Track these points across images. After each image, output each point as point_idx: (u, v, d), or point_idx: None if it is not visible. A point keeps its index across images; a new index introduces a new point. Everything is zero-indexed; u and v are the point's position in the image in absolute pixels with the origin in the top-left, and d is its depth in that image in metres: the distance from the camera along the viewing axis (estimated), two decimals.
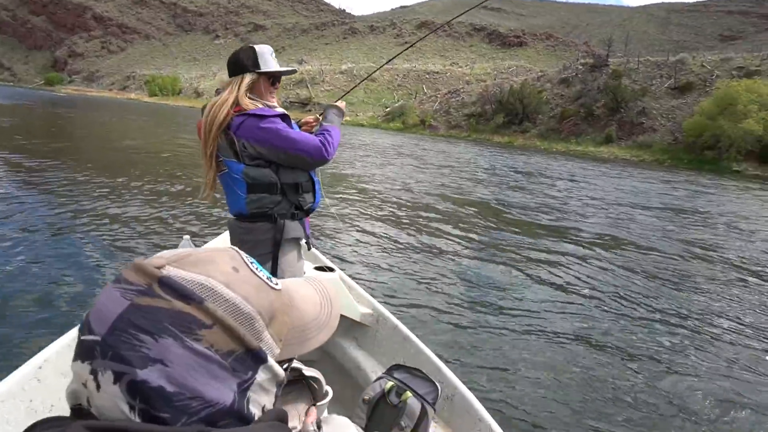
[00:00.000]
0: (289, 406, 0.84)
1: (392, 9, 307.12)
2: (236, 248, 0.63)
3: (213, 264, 0.56)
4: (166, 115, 43.01)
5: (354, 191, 10.95)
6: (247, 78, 1.97)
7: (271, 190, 1.99)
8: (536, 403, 3.16)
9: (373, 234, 7.19)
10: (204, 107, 2.00)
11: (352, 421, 1.78)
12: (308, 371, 0.88)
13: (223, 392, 0.51)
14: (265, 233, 2.02)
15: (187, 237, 2.49)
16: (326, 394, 0.80)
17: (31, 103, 39.71)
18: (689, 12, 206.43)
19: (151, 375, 0.48)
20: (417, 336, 2.33)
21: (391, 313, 2.56)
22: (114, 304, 0.52)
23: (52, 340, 1.83)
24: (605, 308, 4.96)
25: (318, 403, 0.80)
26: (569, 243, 7.67)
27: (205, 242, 3.19)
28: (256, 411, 0.56)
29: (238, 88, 1.95)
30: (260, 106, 1.97)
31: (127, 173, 10.07)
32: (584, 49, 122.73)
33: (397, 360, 2.26)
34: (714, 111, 33.98)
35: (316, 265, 2.70)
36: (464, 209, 10.01)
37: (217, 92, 2.02)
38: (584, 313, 4.79)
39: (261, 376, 0.56)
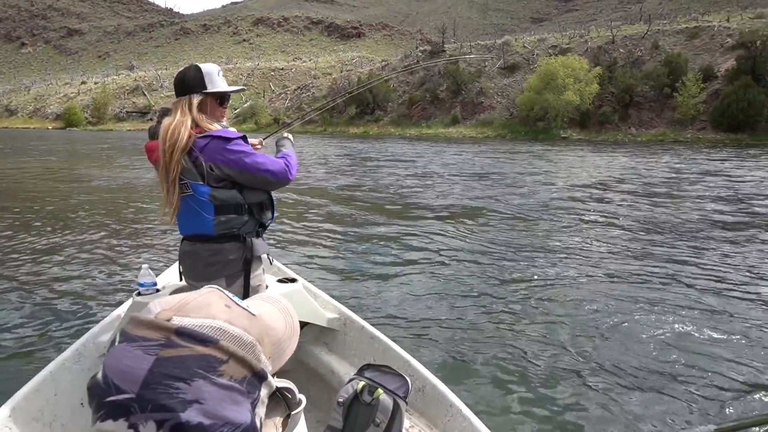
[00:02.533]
0: (267, 418, 0.85)
1: (223, 6, 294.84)
2: (215, 287, 0.69)
3: (211, 307, 0.62)
4: None
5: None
6: (195, 99, 1.97)
7: (238, 210, 2.00)
8: (499, 383, 3.34)
9: (314, 237, 7.32)
10: (151, 129, 2.05)
11: (330, 424, 1.88)
12: (280, 383, 0.88)
13: (243, 414, 0.58)
14: (235, 253, 2.03)
15: (146, 266, 2.40)
16: (299, 402, 0.82)
17: None
18: None
19: (191, 414, 0.54)
20: (384, 334, 2.40)
21: (357, 314, 2.63)
22: (140, 362, 0.56)
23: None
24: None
25: (292, 412, 0.82)
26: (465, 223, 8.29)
27: (165, 267, 3.13)
28: (258, 422, 0.62)
29: (189, 110, 1.95)
30: (219, 127, 1.98)
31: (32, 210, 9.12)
32: (420, 37, 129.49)
33: (368, 359, 2.32)
34: (539, 86, 38.07)
35: (279, 278, 2.70)
36: (361, 201, 10.23)
37: (163, 112, 2.08)
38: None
39: (263, 391, 0.63)
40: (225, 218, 1.99)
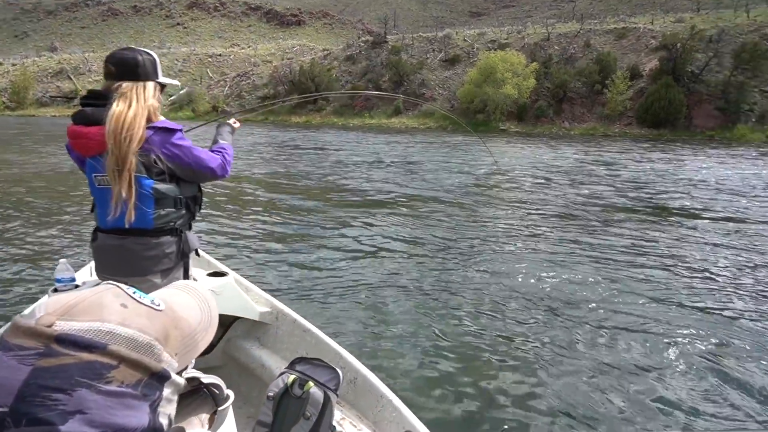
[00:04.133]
0: (192, 415, 0.89)
1: None
2: (114, 283, 0.65)
3: (102, 307, 0.58)
4: None
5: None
6: (151, 87, 1.90)
7: (176, 204, 1.99)
8: (436, 374, 3.44)
9: (248, 228, 7.20)
10: (78, 113, 1.89)
11: (260, 419, 1.87)
12: (207, 378, 0.91)
13: (139, 418, 0.55)
14: (171, 246, 2.00)
15: (63, 260, 2.30)
16: (227, 398, 0.83)
17: None
18: None
19: (73, 426, 0.50)
20: (318, 327, 2.42)
21: (290, 307, 2.62)
22: (14, 372, 0.51)
23: None
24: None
25: (219, 408, 0.83)
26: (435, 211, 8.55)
27: (84, 261, 2.95)
28: (164, 422, 0.60)
29: (144, 98, 1.86)
30: (161, 118, 1.94)
31: None
32: (361, 27, 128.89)
33: (300, 353, 2.33)
34: (479, 79, 39.01)
35: (210, 271, 2.66)
36: (296, 190, 10.28)
37: (95, 95, 1.90)
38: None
39: (166, 391, 0.60)
40: (165, 212, 1.95)
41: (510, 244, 6.53)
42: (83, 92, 1.95)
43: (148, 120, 1.86)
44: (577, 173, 14.07)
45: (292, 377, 1.88)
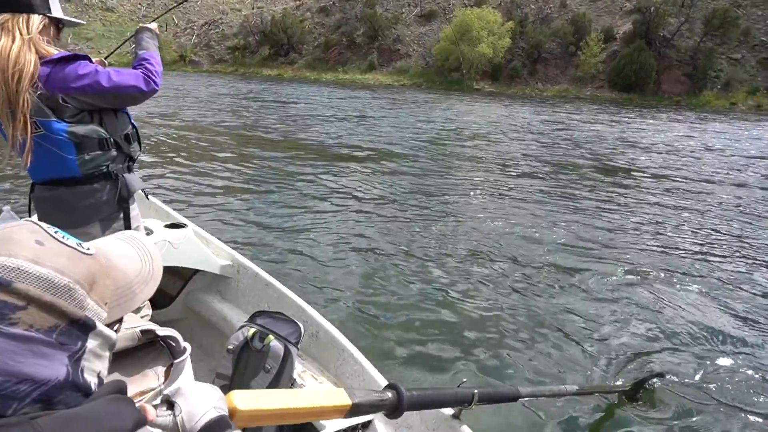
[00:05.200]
0: (147, 368, 0.85)
1: None
2: (33, 220, 0.59)
3: (12, 242, 0.52)
4: None
5: (159, 138, 10.20)
6: (36, 19, 1.66)
7: (103, 146, 1.80)
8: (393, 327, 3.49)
9: (212, 180, 7.10)
10: None
11: (219, 372, 1.91)
12: (162, 331, 0.88)
13: (54, 368, 0.50)
14: (108, 192, 1.86)
15: (7, 208, 2.17)
16: (183, 350, 0.81)
17: None
18: None
19: None
20: (280, 281, 2.37)
21: (251, 261, 2.57)
22: None
23: None
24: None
25: (176, 361, 0.81)
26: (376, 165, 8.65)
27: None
28: (91, 378, 0.54)
29: (27, 31, 1.63)
30: (56, 51, 1.71)
31: None
32: None
33: (261, 307, 2.31)
34: (454, 37, 38.60)
35: (167, 223, 2.55)
36: (267, 144, 10.23)
37: None
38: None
39: (92, 343, 0.54)
40: (89, 156, 1.77)
41: (473, 200, 6.75)
42: None
43: (40, 56, 1.64)
44: (543, 134, 14.33)
45: (252, 330, 1.87)
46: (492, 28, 38.09)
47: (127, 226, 1.95)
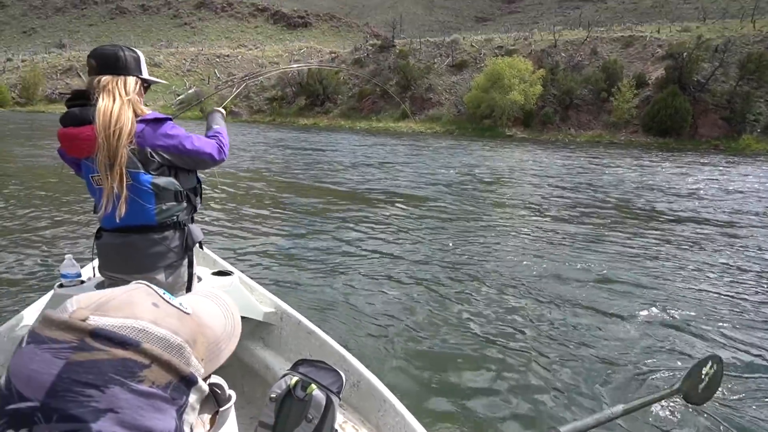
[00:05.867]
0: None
1: None
2: (143, 283, 0.65)
3: (134, 305, 0.57)
4: None
5: (209, 187, 10.64)
6: (132, 81, 1.88)
7: (177, 197, 1.97)
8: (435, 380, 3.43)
9: (253, 226, 7.30)
10: (66, 116, 1.87)
11: (261, 420, 1.90)
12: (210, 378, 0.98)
13: (166, 422, 0.54)
14: (176, 240, 2.00)
15: (69, 256, 2.31)
16: (229, 398, 0.84)
17: None
18: None
19: (104, 425, 0.49)
20: (321, 329, 2.40)
21: (294, 308, 2.60)
22: (47, 366, 0.50)
23: None
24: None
25: (221, 409, 0.84)
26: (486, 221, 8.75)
27: (90, 258, 2.78)
28: (186, 429, 0.59)
29: (125, 91, 1.85)
30: (149, 111, 1.92)
31: None
32: (367, 31, 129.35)
33: (304, 354, 2.34)
34: (486, 85, 39.19)
35: (214, 270, 2.65)
36: (314, 192, 10.48)
37: (77, 95, 1.90)
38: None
39: (192, 397, 0.59)
40: (166, 206, 1.93)
41: (509, 243, 6.74)
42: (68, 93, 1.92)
43: (135, 114, 1.84)
44: (580, 178, 14.25)
45: (295, 379, 1.86)
46: (523, 75, 38.62)
47: (190, 273, 2.08)
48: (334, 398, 1.85)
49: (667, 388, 2.71)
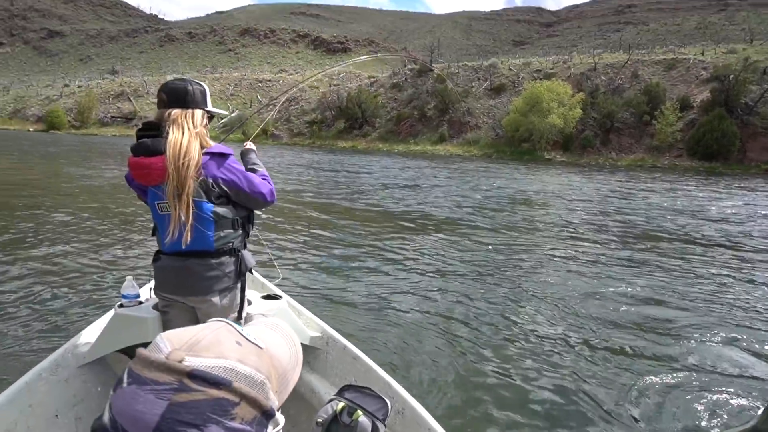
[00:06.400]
0: None
1: (208, 15, 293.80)
2: (224, 320, 0.68)
3: (222, 344, 0.61)
4: None
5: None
6: (198, 114, 1.98)
7: (234, 225, 2.06)
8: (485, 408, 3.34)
9: (303, 251, 7.34)
10: (139, 146, 1.96)
11: None
12: None
13: None
14: (230, 266, 2.08)
15: (129, 277, 2.41)
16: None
17: None
18: (486, 20, 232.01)
19: None
20: (366, 354, 2.41)
21: (340, 333, 2.63)
22: (152, 407, 0.54)
23: None
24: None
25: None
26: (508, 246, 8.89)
27: (149, 279, 2.83)
28: None
29: (193, 125, 1.95)
30: (213, 143, 2.02)
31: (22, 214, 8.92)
32: (405, 55, 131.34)
33: (349, 380, 2.36)
34: (525, 108, 39.26)
35: (264, 294, 2.70)
36: (361, 214, 10.73)
37: (149, 126, 2.00)
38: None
39: (270, 429, 0.63)
40: (224, 233, 2.02)
41: (556, 269, 6.77)
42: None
43: (201, 146, 1.94)
44: (622, 203, 14.11)
45: (341, 404, 1.85)
46: (562, 99, 38.54)
47: (242, 297, 2.17)
48: (380, 425, 1.83)
49: (739, 425, 2.55)
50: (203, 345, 0.60)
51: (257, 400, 0.59)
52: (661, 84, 40.82)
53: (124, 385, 0.57)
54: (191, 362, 0.57)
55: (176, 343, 0.60)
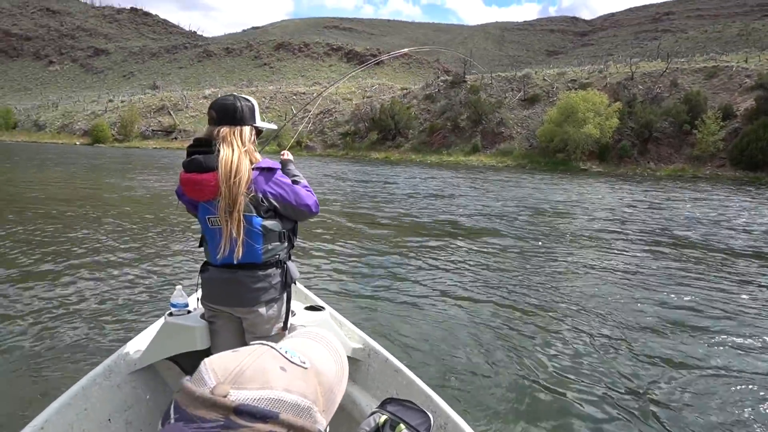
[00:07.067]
0: None
1: (244, 30, 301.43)
2: (267, 344, 0.67)
3: (266, 373, 0.60)
4: (26, 153, 38.34)
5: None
6: (247, 130, 2.02)
7: (281, 238, 2.10)
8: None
9: (341, 262, 7.40)
10: (191, 162, 1.98)
11: None
12: None
13: None
14: (276, 278, 2.12)
15: (179, 287, 2.45)
16: None
17: None
18: (519, 30, 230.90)
19: None
20: (408, 367, 2.40)
21: (382, 345, 2.63)
22: None
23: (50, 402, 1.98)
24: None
25: None
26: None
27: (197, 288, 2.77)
28: None
29: (242, 141, 1.99)
30: (261, 158, 2.06)
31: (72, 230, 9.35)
32: (438, 67, 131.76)
33: (390, 392, 2.34)
34: (559, 119, 38.79)
35: (307, 305, 2.71)
36: (399, 224, 10.81)
37: (199, 142, 2.03)
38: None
39: None
40: (271, 246, 2.06)
41: (594, 281, 6.70)
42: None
43: (250, 161, 1.99)
44: (663, 213, 13.78)
45: (383, 418, 1.83)
46: (598, 109, 37.93)
47: (287, 309, 2.20)
48: None
49: None
50: (248, 376, 0.59)
51: (305, 428, 0.58)
52: (702, 92, 39.73)
53: (172, 420, 0.57)
54: (236, 396, 0.56)
55: (220, 374, 0.59)
